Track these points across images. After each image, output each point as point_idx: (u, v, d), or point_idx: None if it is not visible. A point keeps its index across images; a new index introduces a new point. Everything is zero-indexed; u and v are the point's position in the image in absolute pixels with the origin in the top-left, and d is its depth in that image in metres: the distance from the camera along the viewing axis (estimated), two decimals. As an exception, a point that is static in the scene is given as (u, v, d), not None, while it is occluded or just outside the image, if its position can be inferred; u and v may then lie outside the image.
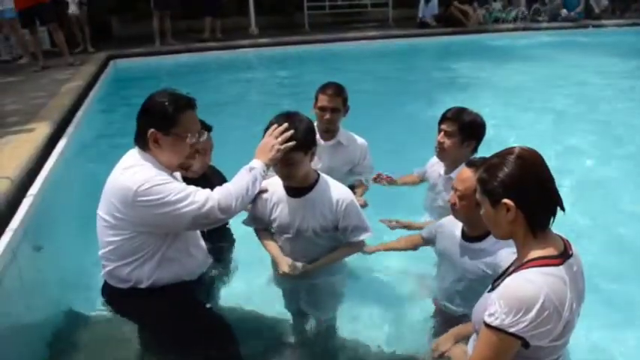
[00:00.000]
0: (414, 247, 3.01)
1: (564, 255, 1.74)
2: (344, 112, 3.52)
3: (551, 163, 1.80)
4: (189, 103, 2.31)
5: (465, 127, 3.02)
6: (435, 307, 2.78)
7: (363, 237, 2.70)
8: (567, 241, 1.82)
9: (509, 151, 1.77)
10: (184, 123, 2.28)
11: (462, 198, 2.39)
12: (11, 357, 2.80)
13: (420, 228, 3.25)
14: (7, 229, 3.35)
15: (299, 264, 2.62)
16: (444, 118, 3.08)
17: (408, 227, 3.34)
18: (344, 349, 2.91)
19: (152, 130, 2.25)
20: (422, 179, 3.63)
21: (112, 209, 2.25)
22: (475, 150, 3.12)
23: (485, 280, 2.27)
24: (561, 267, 1.70)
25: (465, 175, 2.38)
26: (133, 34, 13.18)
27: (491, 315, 1.69)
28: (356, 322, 3.06)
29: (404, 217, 3.43)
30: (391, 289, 3.32)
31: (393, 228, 3.32)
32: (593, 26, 14.63)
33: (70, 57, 9.86)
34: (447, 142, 3.05)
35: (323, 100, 3.44)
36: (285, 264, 2.60)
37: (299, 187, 2.57)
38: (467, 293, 2.46)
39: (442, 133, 3.07)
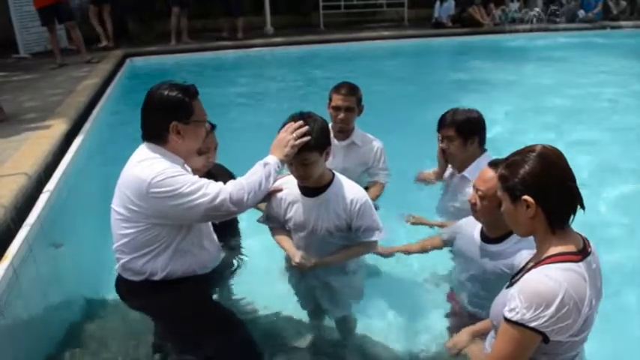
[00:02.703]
0: (433, 249, 3.01)
1: (583, 252, 1.76)
2: (358, 111, 3.51)
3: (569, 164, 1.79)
4: (196, 90, 2.39)
5: (463, 128, 3.04)
6: (452, 305, 2.77)
7: (375, 237, 2.69)
8: (586, 238, 1.84)
9: (530, 149, 1.79)
10: (199, 109, 2.38)
11: (483, 198, 2.38)
12: (28, 347, 2.84)
13: (433, 225, 3.26)
14: (24, 224, 3.38)
15: (312, 258, 2.64)
16: (440, 126, 3.11)
17: (421, 223, 3.34)
18: (360, 347, 2.92)
19: (174, 122, 2.29)
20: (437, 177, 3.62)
21: (126, 201, 2.28)
22: (482, 144, 3.11)
23: (504, 281, 2.25)
24: (581, 263, 1.72)
25: (488, 175, 2.37)
26: (149, 32, 13.27)
27: (511, 310, 1.71)
28: (373, 319, 3.07)
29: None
30: (408, 287, 3.32)
31: (409, 222, 3.32)
32: (611, 27, 14.48)
33: (88, 54, 9.95)
34: (450, 147, 3.08)
35: (337, 100, 3.43)
36: (298, 255, 2.62)
37: (314, 187, 2.57)
38: (485, 293, 2.45)
39: (444, 140, 3.09)
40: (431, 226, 3.35)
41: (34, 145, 4.73)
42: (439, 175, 3.52)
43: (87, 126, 6.07)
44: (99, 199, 3.89)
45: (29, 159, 4.28)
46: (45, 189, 4.04)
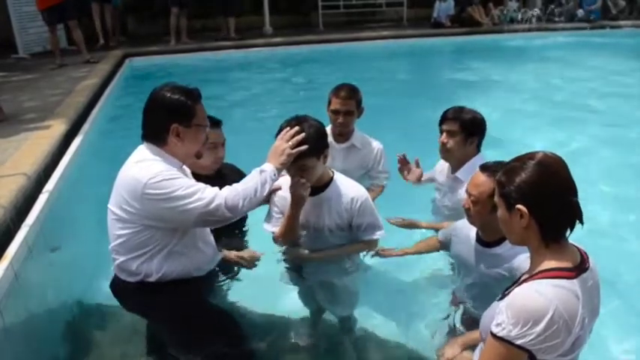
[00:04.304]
0: (431, 252, 3.00)
1: (579, 268, 1.69)
2: (358, 113, 3.50)
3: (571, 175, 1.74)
4: (199, 94, 2.39)
5: (466, 125, 3.05)
6: (455, 307, 2.77)
7: (376, 235, 2.71)
8: (585, 253, 1.76)
9: (531, 156, 1.72)
10: (200, 113, 2.38)
11: (475, 203, 2.36)
12: (26, 347, 2.84)
13: (424, 227, 3.25)
14: (23, 225, 3.39)
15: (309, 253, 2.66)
16: (444, 119, 3.10)
17: (411, 225, 3.34)
18: (357, 348, 2.92)
19: (175, 125, 2.29)
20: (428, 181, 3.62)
21: (122, 202, 2.28)
22: (478, 147, 3.12)
23: (502, 283, 2.25)
24: (575, 280, 1.64)
25: (479, 179, 2.35)
26: (148, 32, 13.28)
27: (498, 325, 1.64)
28: (371, 320, 3.07)
29: (410, 217, 3.42)
30: (407, 288, 3.32)
31: (398, 225, 3.33)
32: (610, 27, 14.48)
33: (87, 54, 9.95)
34: (451, 141, 3.07)
35: (336, 104, 3.41)
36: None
37: (314, 187, 2.58)
38: (483, 296, 2.44)
39: (444, 133, 3.09)
40: (421, 228, 3.35)
41: (33, 146, 4.73)
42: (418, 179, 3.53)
43: (86, 126, 6.07)
44: (98, 200, 3.88)
45: (29, 159, 4.29)
46: (44, 189, 4.04)
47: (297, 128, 2.41)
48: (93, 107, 6.93)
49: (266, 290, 3.12)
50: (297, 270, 2.90)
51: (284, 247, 2.92)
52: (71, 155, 4.96)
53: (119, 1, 12.56)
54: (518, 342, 1.60)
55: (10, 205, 3.39)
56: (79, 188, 4.76)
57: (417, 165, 3.56)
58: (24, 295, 3.02)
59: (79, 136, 5.59)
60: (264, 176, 2.38)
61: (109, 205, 2.38)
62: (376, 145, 3.60)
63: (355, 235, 2.70)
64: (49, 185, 4.14)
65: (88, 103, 6.86)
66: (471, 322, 2.56)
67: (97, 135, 6.16)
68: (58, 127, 5.40)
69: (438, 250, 2.97)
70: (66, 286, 3.54)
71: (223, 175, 2.87)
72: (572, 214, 1.69)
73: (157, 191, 2.20)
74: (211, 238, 2.64)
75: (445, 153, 3.14)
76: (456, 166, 3.16)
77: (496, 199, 1.80)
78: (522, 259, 2.18)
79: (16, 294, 2.86)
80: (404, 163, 3.56)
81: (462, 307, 2.69)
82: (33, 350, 2.87)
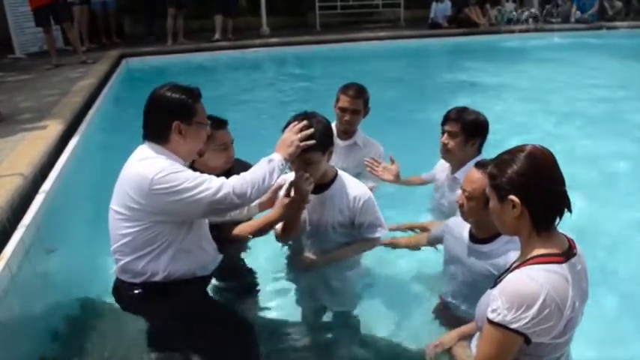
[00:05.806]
0: (418, 246, 3.03)
1: (568, 254, 1.76)
2: (364, 113, 3.54)
3: (560, 165, 1.79)
4: (199, 93, 2.41)
5: (468, 127, 3.04)
6: (441, 304, 2.78)
7: (378, 234, 2.74)
8: (572, 240, 1.83)
9: (520, 149, 1.78)
10: (201, 111, 2.40)
11: (470, 199, 2.37)
12: (23, 348, 2.84)
13: (414, 228, 3.26)
14: (20, 225, 3.39)
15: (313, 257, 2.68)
16: (446, 119, 3.10)
17: (405, 228, 3.35)
18: (356, 345, 2.92)
19: (177, 122, 2.31)
20: (425, 182, 3.62)
21: (127, 200, 2.27)
22: (480, 149, 3.13)
23: (491, 280, 2.27)
24: (564, 265, 1.72)
25: (474, 176, 2.37)
26: (145, 32, 13.27)
27: (493, 311, 1.71)
28: (369, 318, 3.07)
29: (406, 217, 3.43)
30: (400, 285, 3.33)
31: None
32: (607, 28, 14.51)
33: (84, 55, 9.93)
34: (451, 142, 3.06)
35: (344, 101, 3.45)
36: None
37: (318, 184, 2.59)
38: (473, 293, 2.45)
39: (446, 134, 3.09)
40: (405, 229, 3.35)
41: (29, 146, 4.73)
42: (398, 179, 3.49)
43: (82, 126, 6.07)
44: (94, 200, 3.89)
45: (25, 159, 4.28)
46: (41, 189, 4.03)
47: (305, 122, 2.45)
48: (89, 108, 6.93)
49: (266, 289, 3.12)
50: (297, 268, 2.91)
51: (287, 249, 2.93)
52: (68, 156, 4.96)
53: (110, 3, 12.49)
54: (513, 326, 1.67)
55: (6, 205, 3.39)
56: (75, 189, 4.75)
57: (392, 162, 3.48)
58: (20, 295, 3.02)
59: (76, 137, 5.59)
60: (273, 165, 2.39)
61: (112, 206, 2.36)
62: (378, 146, 3.65)
63: (357, 233, 2.72)
64: (46, 186, 4.14)
65: (84, 103, 6.85)
66: (457, 321, 2.56)
67: (93, 135, 6.15)
68: (54, 128, 5.40)
69: (422, 246, 2.99)
70: (62, 287, 3.53)
71: (234, 172, 2.86)
72: (562, 203, 1.76)
73: (164, 185, 2.20)
74: (211, 238, 2.64)
75: (446, 153, 3.14)
76: (456, 167, 3.17)
77: (487, 190, 1.86)
78: (512, 257, 2.19)
79: (12, 294, 2.86)
80: (374, 166, 3.44)
81: (448, 304, 2.70)
82: (29, 350, 2.86)
